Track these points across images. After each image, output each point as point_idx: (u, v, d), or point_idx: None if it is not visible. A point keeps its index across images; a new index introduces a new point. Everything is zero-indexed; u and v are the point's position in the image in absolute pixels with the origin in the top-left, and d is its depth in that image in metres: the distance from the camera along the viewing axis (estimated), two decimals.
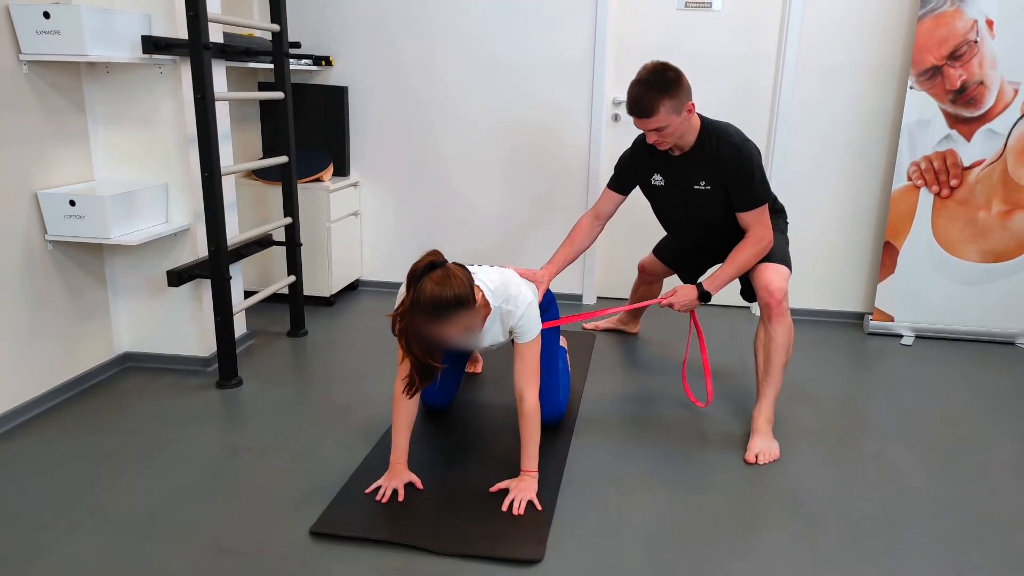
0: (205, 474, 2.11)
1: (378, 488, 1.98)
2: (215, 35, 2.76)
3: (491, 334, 2.07)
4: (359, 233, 3.90)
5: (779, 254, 2.40)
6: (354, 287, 3.98)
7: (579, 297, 3.83)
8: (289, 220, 3.09)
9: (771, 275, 2.32)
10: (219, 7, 2.75)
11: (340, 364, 2.93)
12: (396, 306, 1.82)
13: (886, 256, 3.36)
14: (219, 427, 2.39)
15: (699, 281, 2.39)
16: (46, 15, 2.24)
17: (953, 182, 3.23)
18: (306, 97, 3.70)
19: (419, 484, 2.02)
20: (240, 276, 3.01)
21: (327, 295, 3.64)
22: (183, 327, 2.81)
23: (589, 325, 3.42)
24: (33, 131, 2.38)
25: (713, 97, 3.49)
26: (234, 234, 2.85)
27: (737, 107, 3.51)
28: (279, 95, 2.94)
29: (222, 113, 2.83)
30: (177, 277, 2.56)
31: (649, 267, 3.08)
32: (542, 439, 2.22)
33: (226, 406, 2.54)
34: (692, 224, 2.50)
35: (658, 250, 2.98)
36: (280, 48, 2.91)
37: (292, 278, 3.16)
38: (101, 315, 2.75)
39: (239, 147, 3.62)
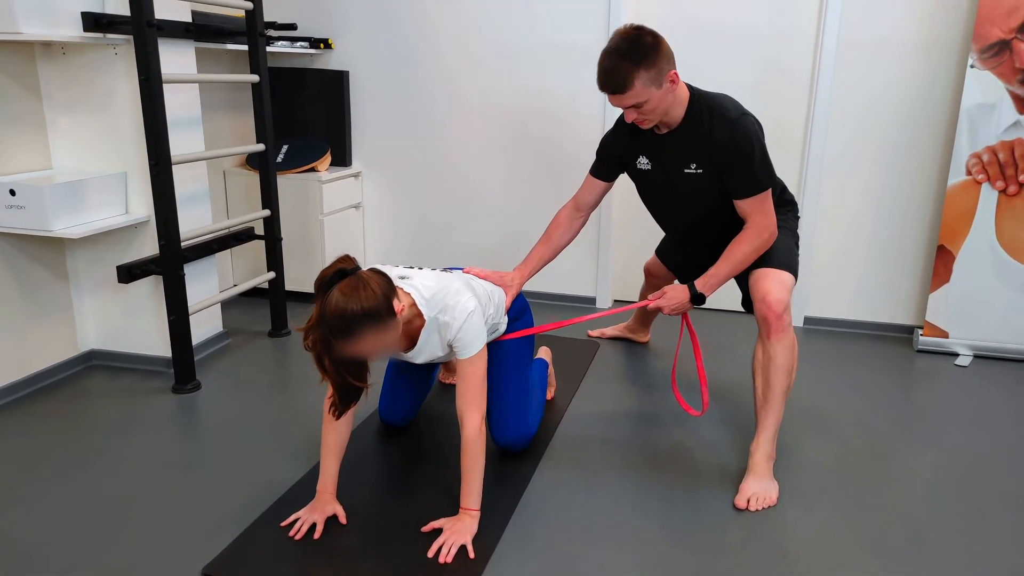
0: (123, 493, 1.91)
1: (296, 520, 1.75)
2: (183, 14, 2.57)
3: (428, 349, 1.80)
4: (360, 226, 3.69)
5: (782, 257, 2.04)
6: None
7: (592, 300, 3.51)
8: (267, 213, 2.89)
9: (770, 284, 1.97)
10: None
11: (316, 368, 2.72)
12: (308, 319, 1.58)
13: (939, 262, 2.91)
14: (158, 437, 2.20)
15: (691, 281, 2.05)
16: None
17: (1022, 177, 2.76)
18: (305, 82, 3.50)
19: (342, 518, 1.77)
20: (214, 271, 2.83)
21: None
22: (147, 325, 2.64)
23: (595, 332, 3.10)
24: None
25: (745, 77, 3.11)
26: (205, 226, 2.66)
27: (770, 89, 3.11)
28: (253, 78, 2.73)
29: (191, 97, 2.65)
30: (127, 273, 2.39)
31: (653, 269, 2.75)
32: (502, 466, 1.96)
33: (176, 413, 2.36)
34: (685, 215, 2.15)
35: (660, 250, 2.65)
36: (254, 28, 2.70)
37: (272, 274, 2.96)
38: (63, 310, 2.61)
39: (232, 133, 3.45)
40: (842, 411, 2.44)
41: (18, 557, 1.66)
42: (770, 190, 1.98)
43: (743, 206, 1.99)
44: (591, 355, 2.86)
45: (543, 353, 2.42)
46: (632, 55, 1.81)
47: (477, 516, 1.73)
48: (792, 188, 3.17)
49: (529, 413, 2.09)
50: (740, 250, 1.99)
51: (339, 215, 3.47)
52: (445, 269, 2.07)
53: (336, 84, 3.48)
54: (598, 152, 2.19)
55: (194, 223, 2.69)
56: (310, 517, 1.75)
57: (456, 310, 1.71)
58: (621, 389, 2.58)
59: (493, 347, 2.05)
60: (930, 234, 3.06)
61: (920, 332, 3.01)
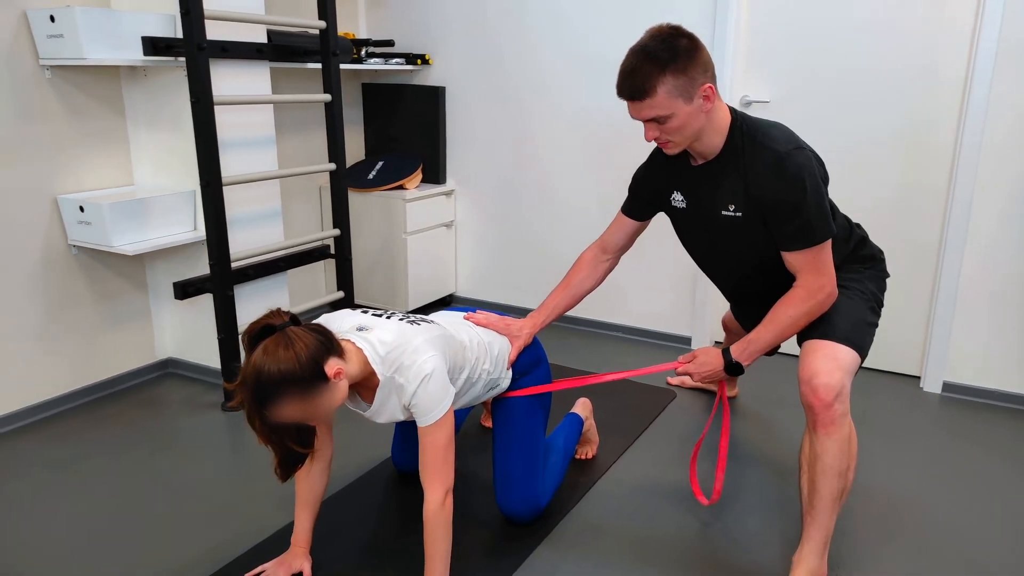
0: (109, 519, 1.92)
1: (262, 573, 1.65)
2: (258, 35, 2.60)
3: (388, 410, 1.58)
4: (452, 245, 3.59)
5: (843, 327, 1.63)
6: (446, 303, 3.68)
7: (687, 340, 3.16)
8: (338, 232, 2.86)
9: (820, 362, 1.57)
10: (262, 7, 2.59)
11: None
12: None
13: None
14: (181, 457, 2.21)
15: (726, 347, 1.71)
16: (51, 19, 2.20)
17: None
18: (402, 98, 3.46)
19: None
20: (284, 288, 2.85)
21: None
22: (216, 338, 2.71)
23: (674, 380, 2.76)
24: (57, 135, 2.39)
25: (882, 84, 2.63)
26: (265, 245, 2.67)
27: (911, 99, 2.60)
28: (325, 97, 2.71)
29: (266, 117, 2.68)
30: (182, 290, 2.44)
31: (730, 325, 2.39)
32: (501, 537, 1.75)
33: (213, 431, 2.37)
34: (728, 264, 1.80)
35: None
36: (327, 47, 2.67)
37: (340, 293, 2.93)
38: (142, 319, 2.74)
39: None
40: (968, 516, 1.95)
41: None
42: (828, 242, 1.60)
43: (792, 260, 1.63)
44: (661, 408, 2.54)
45: (580, 406, 2.16)
46: (659, 56, 1.51)
47: None
48: (935, 217, 2.64)
49: (538, 481, 1.84)
50: (786, 314, 1.63)
51: (426, 234, 3.39)
52: (451, 310, 1.90)
53: (432, 100, 3.41)
54: (630, 186, 1.90)
55: (264, 241, 2.72)
56: (275, 571, 1.64)
57: (411, 371, 1.49)
58: (678, 454, 2.25)
59: (497, 405, 1.86)
60: None
61: None
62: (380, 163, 3.48)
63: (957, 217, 2.55)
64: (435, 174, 3.48)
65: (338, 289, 2.95)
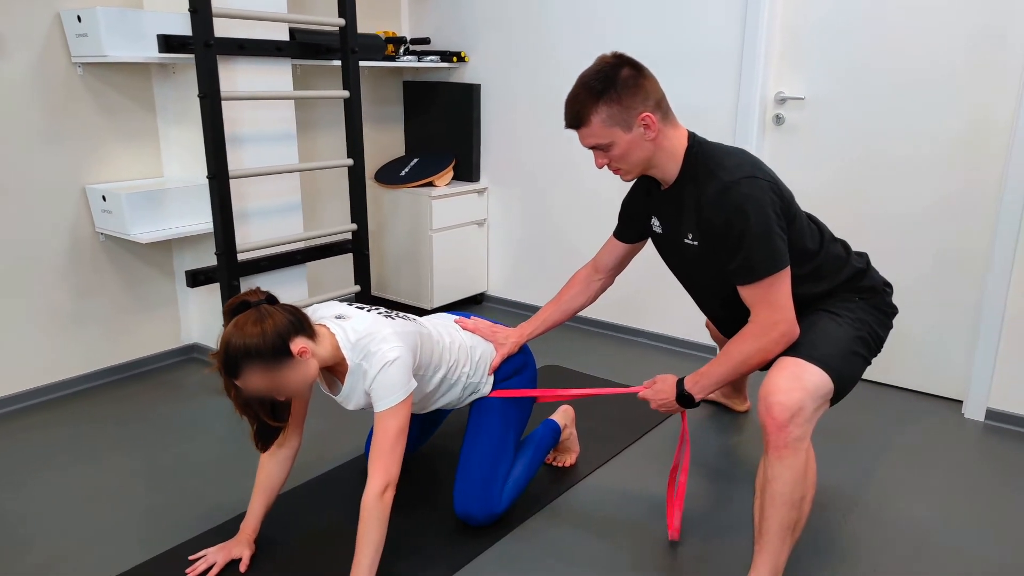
0: (97, 489, 2.02)
1: (202, 557, 1.69)
2: (279, 32, 2.68)
3: (356, 396, 1.64)
4: (484, 243, 3.57)
5: (821, 348, 1.52)
6: (477, 301, 3.66)
7: (712, 349, 3.00)
8: (355, 227, 2.90)
9: (782, 380, 1.45)
10: (284, 5, 2.66)
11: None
12: None
13: None
14: (172, 439, 2.29)
15: (682, 377, 1.63)
16: (79, 19, 2.34)
17: None
18: (439, 95, 3.48)
19: (243, 565, 1.67)
20: (303, 280, 2.92)
21: (428, 308, 3.39)
22: None
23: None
24: (89, 129, 2.53)
25: (932, 80, 2.41)
26: (290, 236, 2.74)
27: (963, 97, 2.37)
28: (344, 94, 2.75)
29: (287, 114, 2.75)
30: (193, 278, 2.54)
31: (715, 336, 2.28)
32: (443, 542, 1.73)
33: (216, 417, 2.45)
34: (702, 291, 1.78)
35: None
36: (346, 44, 2.71)
37: (357, 287, 2.97)
38: (168, 305, 2.88)
39: (377, 146, 3.55)
40: (1004, 560, 1.75)
41: None
42: (780, 277, 1.51)
43: (743, 294, 1.56)
44: (659, 419, 2.42)
45: (560, 414, 2.08)
46: (593, 87, 1.53)
47: None
48: (982, 228, 2.39)
49: (497, 485, 1.80)
50: (737, 349, 1.56)
51: (455, 231, 3.39)
52: (450, 314, 1.96)
53: (466, 97, 3.40)
54: (620, 210, 1.89)
55: (280, 234, 2.79)
56: (216, 556, 1.67)
57: (375, 357, 1.54)
58: (660, 470, 2.14)
59: (474, 405, 1.88)
60: None
61: None
62: (415, 160, 3.51)
63: (1006, 228, 2.29)
64: (468, 172, 3.48)
65: (355, 283, 2.99)
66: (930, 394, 2.62)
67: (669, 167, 1.62)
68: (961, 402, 2.55)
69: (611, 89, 1.52)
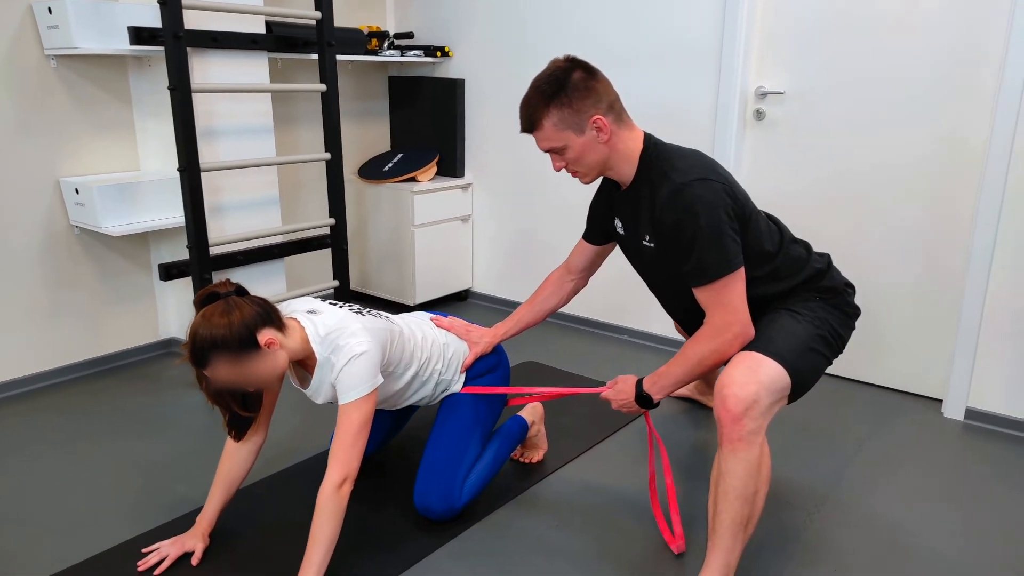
0: (43, 484, 2.01)
1: (155, 550, 1.67)
2: (254, 25, 2.66)
3: (324, 390, 1.63)
4: (468, 239, 3.55)
5: (780, 343, 1.51)
6: (462, 298, 3.65)
7: None
8: (333, 221, 2.88)
9: (738, 373, 1.44)
10: None
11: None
12: None
13: None
14: (145, 432, 2.28)
15: (641, 378, 1.63)
16: (49, 10, 2.33)
17: None
18: (423, 90, 3.46)
19: (195, 559, 1.65)
20: (281, 275, 2.91)
21: (411, 304, 3.38)
22: None
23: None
24: (64, 122, 2.53)
25: (910, 82, 2.38)
26: (267, 230, 2.73)
27: (942, 103, 2.34)
28: (321, 87, 2.74)
29: (265, 108, 2.74)
30: (166, 271, 2.54)
31: (683, 335, 2.25)
32: (403, 535, 1.76)
33: (184, 412, 2.44)
34: (664, 293, 1.77)
35: None
36: (323, 37, 2.70)
37: (336, 282, 2.96)
38: (145, 299, 2.87)
39: (362, 141, 3.54)
40: (982, 558, 1.72)
41: None
42: (733, 279, 1.50)
43: (698, 296, 1.55)
44: (630, 417, 2.39)
45: (528, 411, 2.06)
46: (544, 90, 1.54)
47: None
48: (964, 224, 2.36)
49: (458, 480, 1.78)
50: (693, 350, 1.56)
51: (438, 227, 3.37)
52: (426, 313, 1.96)
53: (450, 92, 3.38)
54: (588, 213, 1.89)
55: (257, 228, 2.78)
56: (168, 549, 1.66)
57: (343, 351, 1.54)
58: (629, 468, 2.11)
59: (443, 401, 1.89)
60: None
61: None
62: (399, 155, 3.49)
63: (985, 225, 2.26)
64: (452, 167, 3.46)
65: (334, 278, 2.97)
66: (910, 393, 2.58)
67: (625, 169, 1.62)
68: (941, 401, 2.51)
69: (562, 93, 1.52)
